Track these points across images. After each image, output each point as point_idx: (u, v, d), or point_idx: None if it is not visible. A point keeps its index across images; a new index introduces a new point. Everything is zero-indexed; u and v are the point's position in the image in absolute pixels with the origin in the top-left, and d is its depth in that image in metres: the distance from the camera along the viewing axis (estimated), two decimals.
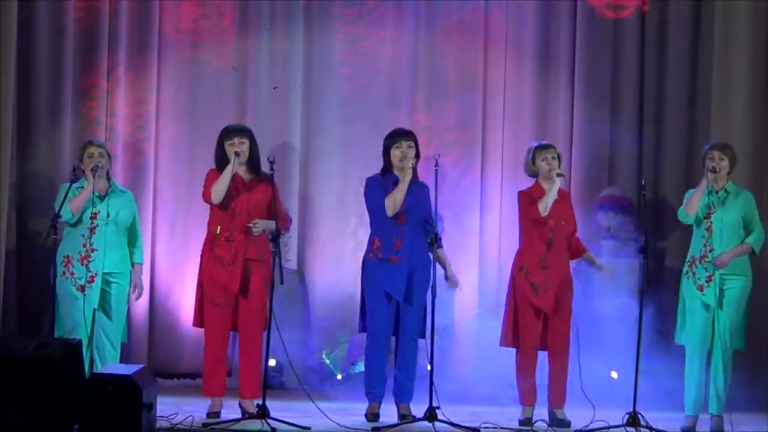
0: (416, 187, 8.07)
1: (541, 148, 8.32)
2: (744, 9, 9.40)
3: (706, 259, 8.21)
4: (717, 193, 8.27)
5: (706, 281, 8.20)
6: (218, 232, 7.98)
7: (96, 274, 8.13)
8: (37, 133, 9.48)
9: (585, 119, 9.83)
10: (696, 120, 9.73)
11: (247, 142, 8.07)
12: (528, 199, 8.23)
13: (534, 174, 8.33)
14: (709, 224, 8.22)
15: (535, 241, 8.23)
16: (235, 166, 7.96)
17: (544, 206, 8.13)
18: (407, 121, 9.66)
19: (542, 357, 8.28)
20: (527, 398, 8.24)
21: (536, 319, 8.20)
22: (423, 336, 7.96)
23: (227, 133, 8.16)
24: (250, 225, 7.90)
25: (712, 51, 9.53)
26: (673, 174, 9.65)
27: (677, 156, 9.67)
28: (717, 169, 8.20)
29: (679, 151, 9.69)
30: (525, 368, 8.23)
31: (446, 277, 8.24)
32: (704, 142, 9.17)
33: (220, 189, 7.94)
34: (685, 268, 8.32)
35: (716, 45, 9.48)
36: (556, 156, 8.27)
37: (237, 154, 7.95)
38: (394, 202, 7.94)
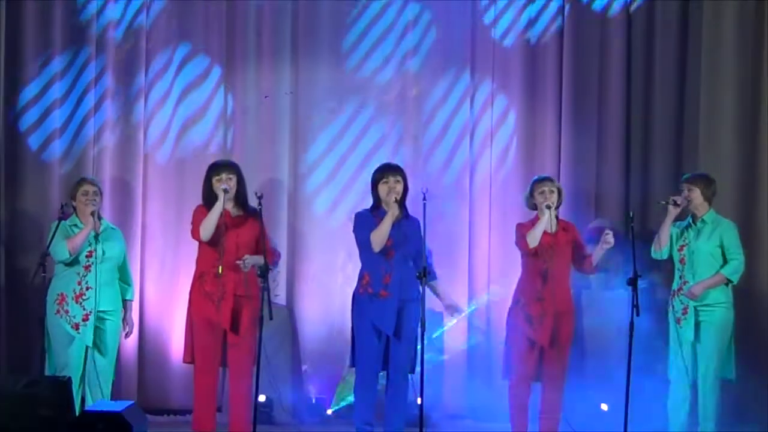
0: (406, 221, 8.08)
1: (539, 181, 8.38)
2: (730, 38, 9.44)
3: (681, 292, 8.25)
4: (695, 224, 8.32)
5: (682, 314, 8.24)
6: (220, 272, 7.98)
7: (91, 312, 8.13)
8: (24, 171, 9.47)
9: (572, 152, 9.85)
10: (683, 151, 9.75)
11: (234, 177, 8.11)
12: (522, 231, 8.27)
13: (533, 206, 8.38)
14: (682, 257, 8.29)
15: (530, 274, 8.26)
16: (224, 203, 7.98)
17: (532, 238, 8.16)
18: (395, 154, 9.68)
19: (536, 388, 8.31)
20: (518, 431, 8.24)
21: (531, 351, 8.21)
22: (413, 371, 7.95)
23: (215, 168, 8.21)
24: (240, 262, 7.92)
25: (698, 81, 9.55)
26: (661, 205, 9.66)
27: (665, 187, 9.67)
28: (678, 202, 8.27)
29: (666, 182, 9.69)
30: (518, 401, 8.24)
31: (446, 307, 8.25)
32: (692, 172, 9.22)
33: (209, 226, 7.97)
34: (669, 302, 8.37)
35: (702, 75, 9.50)
36: (554, 189, 8.30)
37: (225, 190, 7.97)
38: (379, 237, 7.94)
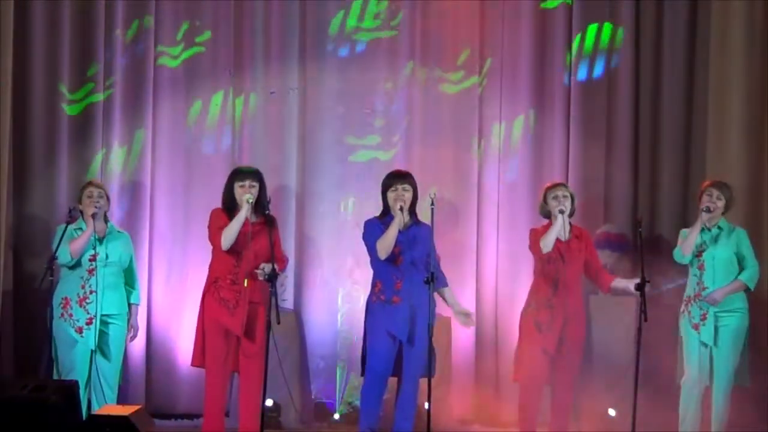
0: (416, 228, 8.09)
1: (552, 186, 8.38)
2: (739, 48, 9.41)
3: (700, 298, 8.24)
4: (710, 230, 8.30)
5: (701, 319, 8.23)
6: (246, 284, 7.96)
7: (94, 316, 8.13)
8: (33, 175, 9.47)
9: (580, 157, 9.83)
10: (691, 157, 9.74)
11: (257, 185, 8.07)
12: (535, 236, 8.27)
13: (547, 213, 8.38)
14: (701, 262, 8.28)
15: (542, 280, 8.26)
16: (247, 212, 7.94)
17: (545, 243, 8.16)
18: (402, 160, 9.67)
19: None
20: None
21: (542, 356, 8.21)
22: (426, 376, 7.94)
23: (238, 174, 8.16)
24: (258, 270, 7.90)
25: (706, 86, 9.54)
26: (669, 211, 9.65)
27: (673, 193, 9.67)
28: (712, 209, 8.24)
29: (674, 188, 9.69)
30: (527, 405, 8.24)
31: (455, 314, 8.23)
32: (700, 178, 9.19)
33: (231, 235, 7.93)
34: (682, 307, 8.36)
35: (711, 82, 9.48)
36: (567, 194, 8.30)
37: (249, 200, 7.92)
38: (384, 244, 7.95)
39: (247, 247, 7.97)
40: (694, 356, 8.26)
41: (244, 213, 7.93)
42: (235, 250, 7.99)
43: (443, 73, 9.94)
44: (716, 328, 8.22)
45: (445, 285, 8.21)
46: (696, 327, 8.26)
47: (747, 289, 8.32)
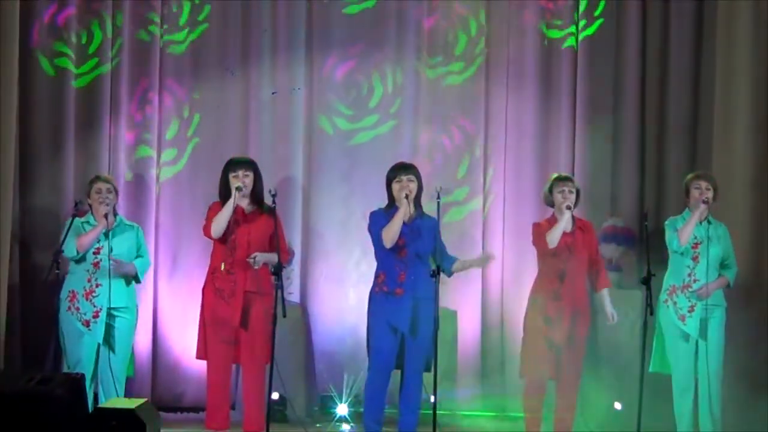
0: (421, 220, 8.09)
1: (559, 179, 8.37)
2: (745, 39, 9.40)
3: (690, 289, 8.22)
4: (700, 223, 8.29)
5: (689, 311, 8.22)
6: (222, 268, 8.00)
7: (101, 309, 8.14)
8: (39, 168, 9.48)
9: (587, 150, 9.83)
10: (697, 151, 9.74)
11: (251, 174, 8.12)
12: (539, 231, 8.27)
13: (550, 203, 8.38)
14: (696, 254, 8.26)
15: (547, 273, 8.25)
16: (238, 200, 7.98)
17: (551, 238, 8.15)
18: (408, 152, 9.67)
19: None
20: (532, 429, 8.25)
21: (548, 350, 8.20)
22: (429, 369, 7.95)
23: (231, 165, 8.20)
24: (250, 259, 7.93)
25: (713, 81, 9.53)
26: (675, 204, 9.62)
27: (679, 187, 9.62)
28: (707, 200, 8.25)
29: (681, 181, 9.66)
30: (532, 399, 8.25)
31: (480, 262, 8.26)
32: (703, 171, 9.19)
33: (220, 223, 7.98)
34: (664, 296, 8.33)
35: (717, 75, 9.47)
36: (573, 190, 8.30)
37: (239, 188, 7.97)
38: (389, 234, 7.96)
39: (237, 236, 7.99)
40: (680, 350, 8.25)
41: (232, 201, 7.98)
42: (228, 239, 8.02)
43: (450, 65, 9.95)
44: (703, 321, 8.22)
45: (454, 260, 8.16)
46: (682, 318, 8.25)
47: (728, 286, 8.35)
